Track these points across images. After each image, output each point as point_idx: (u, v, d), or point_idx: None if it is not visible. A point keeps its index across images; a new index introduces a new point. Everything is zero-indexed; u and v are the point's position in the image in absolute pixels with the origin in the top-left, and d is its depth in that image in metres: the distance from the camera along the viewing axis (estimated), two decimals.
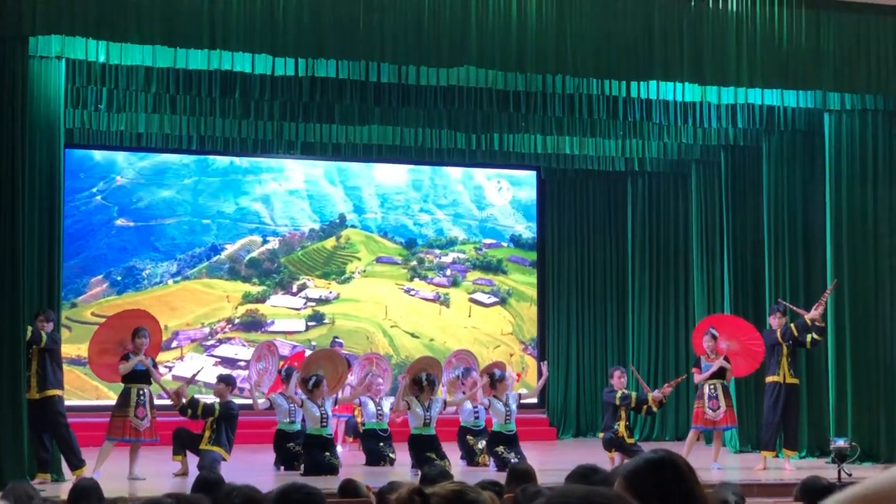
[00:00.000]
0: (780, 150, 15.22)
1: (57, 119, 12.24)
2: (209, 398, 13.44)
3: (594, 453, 13.22)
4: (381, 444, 13.72)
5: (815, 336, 13.36)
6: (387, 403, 14.08)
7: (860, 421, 13.91)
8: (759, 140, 15.55)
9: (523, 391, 14.74)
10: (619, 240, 18.67)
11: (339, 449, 13.96)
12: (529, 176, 18.89)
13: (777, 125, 14.99)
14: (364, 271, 18.03)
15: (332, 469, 12.57)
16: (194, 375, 13.42)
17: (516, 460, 12.29)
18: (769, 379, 13.47)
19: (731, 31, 12.98)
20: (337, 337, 16.48)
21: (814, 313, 13.33)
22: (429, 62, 12.45)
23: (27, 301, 11.35)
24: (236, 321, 17.42)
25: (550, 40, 12.42)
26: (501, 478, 7.28)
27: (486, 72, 12.90)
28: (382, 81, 13.12)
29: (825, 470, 12.14)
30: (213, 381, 13.82)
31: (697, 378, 13.69)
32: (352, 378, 14.52)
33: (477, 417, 13.75)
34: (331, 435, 13.19)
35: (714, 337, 13.67)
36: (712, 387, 13.57)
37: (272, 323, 17.47)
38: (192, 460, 12.35)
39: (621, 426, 13.42)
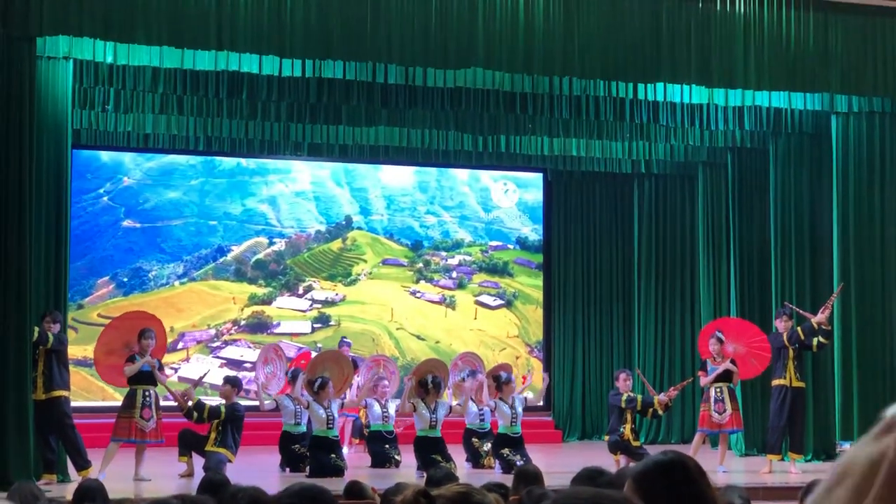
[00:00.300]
0: (788, 153, 15.20)
1: (64, 119, 12.25)
2: (215, 400, 13.46)
3: (599, 456, 13.20)
4: (387, 446, 13.72)
5: (821, 339, 13.34)
6: (392, 406, 14.09)
7: (866, 424, 13.63)
8: (767, 142, 15.53)
9: (529, 395, 14.69)
10: (625, 242, 18.65)
11: (344, 450, 13.95)
12: (536, 178, 18.88)
13: (784, 127, 14.97)
14: (370, 273, 18.02)
15: (338, 471, 12.57)
16: (201, 378, 13.43)
17: (521, 462, 12.28)
18: (775, 382, 13.45)
19: (739, 34, 12.97)
20: (345, 337, 16.49)
21: (820, 317, 13.31)
22: (436, 64, 12.45)
23: (34, 302, 11.36)
24: (242, 323, 17.42)
25: (557, 42, 12.41)
26: (507, 480, 7.28)
27: (492, 73, 12.90)
28: (389, 83, 13.11)
29: None
30: (219, 382, 13.84)
31: (703, 381, 13.68)
32: (358, 380, 14.53)
33: (482, 420, 13.75)
34: (336, 437, 13.18)
35: (720, 340, 13.65)
36: (718, 390, 13.55)
37: (278, 325, 17.47)
38: (198, 461, 12.36)
39: (627, 429, 13.42)
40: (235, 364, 17.05)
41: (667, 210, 18.35)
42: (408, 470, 13.05)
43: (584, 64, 12.61)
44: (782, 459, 13.44)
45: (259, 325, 17.44)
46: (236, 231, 17.58)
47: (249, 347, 17.30)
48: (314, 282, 17.78)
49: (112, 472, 11.72)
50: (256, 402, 14.12)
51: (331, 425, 13.04)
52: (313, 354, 15.56)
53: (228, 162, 17.61)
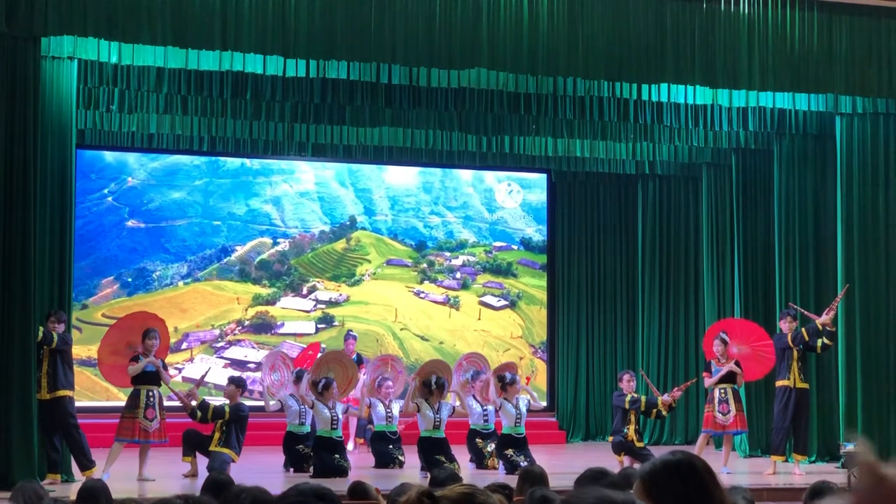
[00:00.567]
0: (792, 154, 15.20)
1: (69, 120, 12.26)
2: (219, 400, 13.47)
3: (603, 457, 13.22)
4: (391, 446, 13.72)
5: (825, 341, 13.33)
6: (396, 406, 14.09)
7: (870, 425, 13.88)
8: (771, 143, 15.53)
9: (529, 399, 14.66)
10: (629, 243, 18.65)
11: (349, 446, 13.94)
12: (540, 179, 18.87)
13: (788, 128, 14.97)
14: (374, 274, 18.02)
15: (342, 471, 12.58)
16: (203, 377, 13.44)
17: (525, 463, 12.28)
18: (779, 383, 13.45)
19: (743, 34, 12.96)
20: (351, 330, 16.52)
21: (825, 318, 13.30)
22: (440, 64, 12.45)
23: (38, 302, 11.37)
24: (246, 323, 17.42)
25: (562, 43, 12.41)
26: (510, 480, 7.28)
27: (497, 74, 12.89)
28: (393, 83, 13.12)
29: (835, 475, 12.14)
30: (223, 382, 13.86)
31: (707, 382, 13.68)
32: (364, 377, 14.54)
33: (486, 420, 13.75)
34: (340, 437, 13.18)
35: (725, 341, 13.65)
36: (722, 391, 13.55)
37: (282, 325, 17.47)
38: (202, 462, 12.37)
39: (631, 430, 13.42)
40: (239, 364, 17.06)
41: (671, 211, 18.34)
42: (411, 470, 13.05)
43: (588, 64, 12.60)
44: (786, 460, 13.44)
45: (263, 326, 17.45)
46: (240, 231, 17.59)
47: (253, 348, 17.31)
48: (318, 282, 17.78)
49: (116, 471, 11.74)
50: (261, 403, 14.13)
51: (335, 426, 13.05)
52: (322, 346, 15.61)
53: (232, 162, 17.61)
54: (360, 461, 13.97)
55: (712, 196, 17.11)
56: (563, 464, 14.13)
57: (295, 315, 17.56)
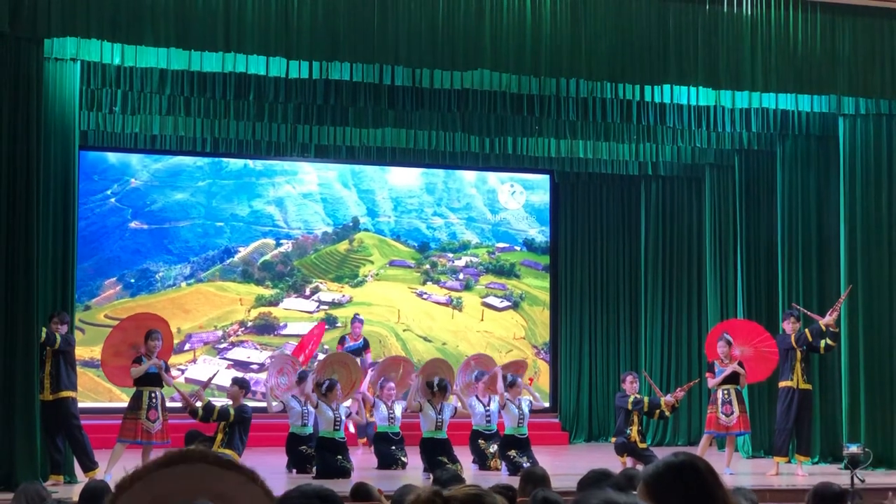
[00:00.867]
0: (795, 155, 15.20)
1: (72, 121, 12.28)
2: (222, 401, 13.47)
3: (606, 458, 13.20)
4: (393, 447, 13.72)
5: (829, 342, 13.32)
6: (398, 407, 14.10)
7: (873, 427, 13.87)
8: (774, 144, 15.52)
9: (533, 399, 14.66)
10: (632, 244, 18.64)
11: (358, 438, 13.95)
12: (543, 180, 18.87)
13: (791, 129, 14.97)
14: (377, 275, 18.03)
15: (345, 472, 12.59)
16: (210, 379, 13.45)
17: (528, 464, 12.28)
18: (782, 384, 13.45)
19: (746, 36, 12.96)
20: (358, 314, 16.57)
21: (828, 319, 13.29)
22: (443, 65, 12.45)
23: (41, 303, 11.38)
24: (249, 324, 17.42)
25: (565, 44, 12.41)
26: (513, 481, 7.27)
27: (500, 75, 12.90)
28: (396, 84, 13.12)
29: (838, 476, 12.12)
30: (226, 383, 13.86)
31: (711, 383, 13.68)
32: (372, 373, 14.58)
33: (489, 421, 13.75)
34: (343, 438, 13.18)
35: (729, 342, 13.65)
36: (726, 392, 13.55)
37: (285, 326, 17.47)
38: None
39: (634, 431, 13.42)
40: (242, 365, 17.06)
41: (674, 212, 18.34)
42: (414, 472, 13.06)
43: (591, 66, 12.61)
44: (789, 461, 13.43)
45: (266, 327, 17.45)
46: (243, 232, 17.59)
47: (256, 349, 17.32)
48: (321, 283, 17.79)
49: (118, 473, 11.71)
50: (264, 404, 14.13)
51: (337, 427, 13.06)
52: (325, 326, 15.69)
53: (235, 163, 17.62)
54: (362, 462, 13.98)
55: (715, 197, 17.10)
56: (565, 465, 14.12)
57: (298, 316, 17.56)
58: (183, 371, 16.69)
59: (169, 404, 12.72)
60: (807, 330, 13.37)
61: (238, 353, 17.28)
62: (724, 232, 16.86)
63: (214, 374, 13.95)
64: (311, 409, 13.31)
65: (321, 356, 15.49)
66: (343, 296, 17.75)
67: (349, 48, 11.91)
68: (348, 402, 14.11)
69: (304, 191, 17.91)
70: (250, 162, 17.64)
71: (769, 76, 13.04)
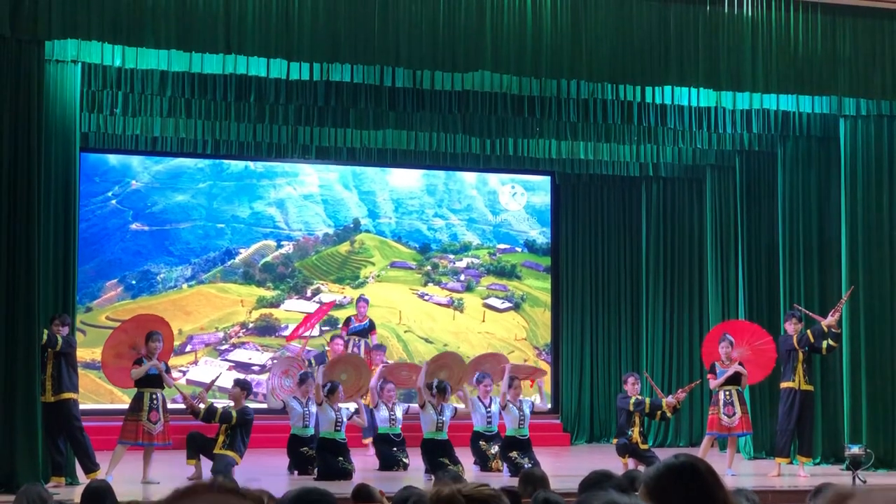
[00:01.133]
0: (796, 156, 15.19)
1: (73, 123, 12.27)
2: (223, 402, 13.47)
3: (608, 459, 13.20)
4: (395, 448, 13.72)
5: (831, 343, 13.31)
6: (399, 409, 14.11)
7: (875, 428, 13.87)
8: (775, 145, 15.51)
9: (537, 399, 14.66)
10: (633, 245, 18.64)
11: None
12: (544, 181, 18.87)
13: (792, 131, 14.96)
14: (378, 276, 18.03)
15: (346, 474, 12.58)
16: (213, 381, 13.46)
17: (529, 465, 12.27)
18: (784, 385, 13.44)
19: (747, 37, 12.96)
20: (364, 294, 16.63)
21: (830, 320, 13.28)
22: (444, 67, 12.45)
23: (42, 305, 11.38)
24: (250, 326, 17.43)
25: (565, 45, 12.42)
26: (515, 483, 7.27)
27: (500, 76, 12.90)
28: (397, 86, 13.11)
29: (840, 476, 12.14)
30: (227, 384, 13.85)
31: (713, 384, 13.67)
32: (379, 368, 14.63)
33: (490, 423, 13.75)
34: (344, 439, 13.17)
35: (731, 343, 13.65)
36: (727, 393, 13.54)
37: (286, 327, 17.46)
38: (206, 464, 12.37)
39: (635, 432, 13.41)
40: (243, 367, 17.06)
41: (675, 213, 18.33)
42: (416, 473, 13.05)
43: (592, 67, 12.61)
44: (791, 462, 13.42)
45: (267, 328, 17.45)
46: (244, 234, 17.59)
47: (258, 350, 17.32)
48: (322, 284, 17.79)
49: (120, 474, 11.74)
50: (265, 405, 14.12)
51: (339, 427, 13.06)
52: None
53: (236, 165, 17.63)
54: (364, 463, 13.97)
55: (716, 198, 17.10)
56: (567, 466, 14.14)
57: (299, 317, 17.53)
58: (184, 372, 16.70)
59: (170, 405, 12.72)
60: (808, 331, 13.35)
61: (239, 355, 17.28)
62: (725, 233, 16.86)
63: (217, 377, 13.96)
64: (312, 410, 13.31)
65: (327, 347, 15.56)
66: (344, 297, 17.74)
67: (350, 50, 11.91)
68: (352, 405, 14.13)
69: (304, 192, 17.92)
70: (251, 163, 17.65)
71: (770, 77, 13.05)
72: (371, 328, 15.99)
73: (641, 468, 10.87)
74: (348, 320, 16.12)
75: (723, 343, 13.67)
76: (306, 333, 16.21)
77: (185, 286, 17.28)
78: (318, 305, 17.51)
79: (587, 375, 18.37)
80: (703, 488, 3.07)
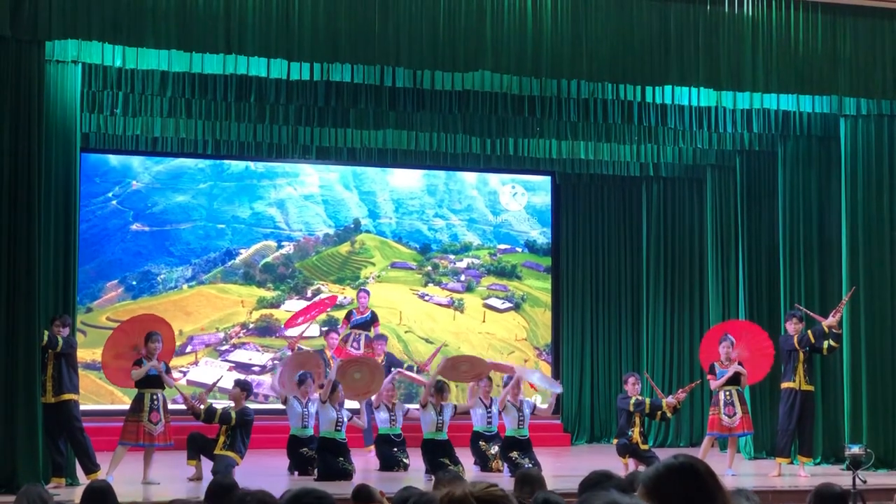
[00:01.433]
0: (796, 156, 15.18)
1: (73, 123, 12.27)
2: (223, 403, 13.46)
3: (608, 459, 13.21)
4: (395, 449, 13.71)
5: (832, 343, 13.30)
6: (399, 409, 14.10)
7: (875, 427, 13.86)
8: (775, 145, 15.51)
9: (538, 400, 14.67)
10: (633, 245, 18.63)
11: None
12: (544, 181, 18.87)
13: (793, 130, 14.95)
14: (378, 276, 18.03)
15: (346, 474, 12.58)
16: (215, 383, 13.45)
17: (530, 466, 12.27)
18: (784, 385, 13.43)
19: (747, 36, 12.96)
20: (364, 286, 16.72)
21: (831, 320, 13.26)
22: (444, 67, 12.45)
23: (43, 305, 11.38)
24: (251, 326, 17.43)
25: (566, 45, 12.41)
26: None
27: (501, 76, 12.90)
28: (397, 86, 13.12)
29: (840, 477, 12.12)
30: (228, 385, 13.84)
31: (713, 385, 13.66)
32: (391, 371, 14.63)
33: (490, 423, 13.74)
34: (344, 439, 13.16)
35: (732, 343, 13.65)
36: (728, 393, 13.54)
37: (286, 328, 17.46)
38: (207, 465, 12.37)
39: (635, 432, 13.41)
40: (244, 367, 17.06)
41: (675, 213, 18.33)
42: (416, 473, 13.05)
43: (592, 67, 12.60)
44: (791, 462, 13.41)
45: (268, 329, 17.45)
46: (245, 234, 17.60)
47: (258, 351, 17.33)
48: (322, 285, 17.79)
49: (120, 475, 11.74)
50: (266, 406, 14.10)
51: (339, 427, 13.05)
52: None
53: (237, 165, 17.63)
54: (364, 463, 13.97)
55: (717, 198, 17.09)
56: (567, 466, 14.14)
57: None
58: (185, 373, 16.70)
59: (171, 406, 12.72)
60: (809, 331, 13.34)
61: (239, 355, 17.28)
62: (726, 233, 16.85)
63: (219, 379, 13.94)
64: (311, 410, 13.30)
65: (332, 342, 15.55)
66: (345, 297, 17.74)
67: (350, 50, 11.91)
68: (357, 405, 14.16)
69: (305, 193, 17.92)
70: (251, 164, 17.65)
71: (770, 77, 13.04)
72: (373, 320, 15.95)
73: (642, 468, 10.86)
74: (349, 314, 16.08)
75: (723, 343, 13.66)
76: (303, 325, 16.08)
77: (185, 287, 17.28)
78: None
79: (587, 376, 18.36)
80: (703, 489, 3.06)
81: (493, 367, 14.46)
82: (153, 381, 12.23)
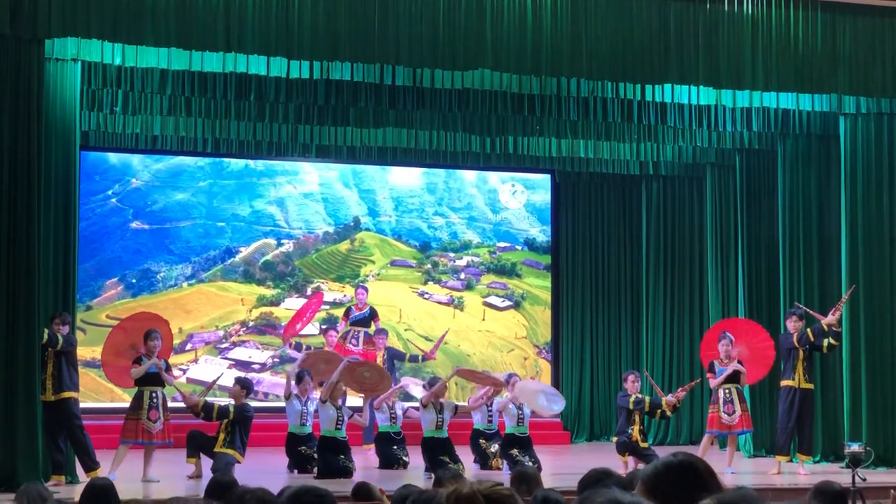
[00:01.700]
0: (796, 154, 15.18)
1: (73, 121, 12.27)
2: (223, 401, 13.47)
3: (608, 457, 13.21)
4: (395, 447, 13.71)
5: (831, 341, 13.30)
6: (399, 408, 14.10)
7: (875, 425, 13.87)
8: (775, 144, 15.50)
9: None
10: (633, 243, 18.64)
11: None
12: (544, 179, 18.87)
13: (792, 129, 14.95)
14: (378, 274, 18.03)
15: (346, 472, 12.57)
16: (214, 381, 13.45)
17: (530, 464, 12.27)
18: (784, 383, 13.43)
19: (747, 35, 12.95)
20: (363, 282, 16.70)
21: (831, 318, 13.26)
22: (444, 65, 12.44)
23: (43, 303, 11.38)
24: (250, 324, 17.43)
25: (565, 43, 12.41)
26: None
27: (500, 75, 12.89)
28: (397, 84, 13.11)
29: (840, 474, 12.12)
30: (228, 383, 13.84)
31: (713, 383, 13.66)
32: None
33: (490, 421, 13.75)
34: (345, 438, 13.16)
35: (731, 341, 13.65)
36: (727, 391, 13.54)
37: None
38: (206, 463, 12.37)
39: (635, 430, 13.42)
40: (244, 365, 17.06)
41: (675, 212, 18.33)
42: (416, 471, 13.05)
43: (592, 65, 12.60)
44: (791, 460, 13.42)
45: (267, 327, 17.45)
46: (244, 232, 17.60)
47: (258, 349, 17.33)
48: (322, 283, 17.79)
49: (120, 473, 11.75)
50: (266, 404, 14.07)
51: (339, 426, 13.04)
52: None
53: (236, 163, 17.63)
54: (364, 461, 13.96)
55: (716, 196, 17.09)
56: (567, 464, 14.14)
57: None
58: (185, 371, 16.70)
59: (171, 404, 12.71)
60: (809, 329, 13.34)
61: (239, 353, 17.28)
62: (726, 231, 16.86)
63: (219, 377, 13.94)
64: (310, 409, 13.30)
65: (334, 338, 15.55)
66: (345, 296, 17.75)
67: (350, 48, 11.91)
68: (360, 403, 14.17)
69: (305, 191, 17.92)
70: (251, 162, 17.65)
71: (770, 75, 13.04)
72: (372, 316, 15.93)
73: (641, 466, 10.86)
74: (348, 310, 16.08)
75: (722, 341, 13.66)
76: (300, 330, 16.06)
77: (185, 285, 17.28)
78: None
79: (587, 374, 18.37)
80: (701, 486, 3.07)
81: (487, 381, 14.35)
82: (152, 379, 12.23)
